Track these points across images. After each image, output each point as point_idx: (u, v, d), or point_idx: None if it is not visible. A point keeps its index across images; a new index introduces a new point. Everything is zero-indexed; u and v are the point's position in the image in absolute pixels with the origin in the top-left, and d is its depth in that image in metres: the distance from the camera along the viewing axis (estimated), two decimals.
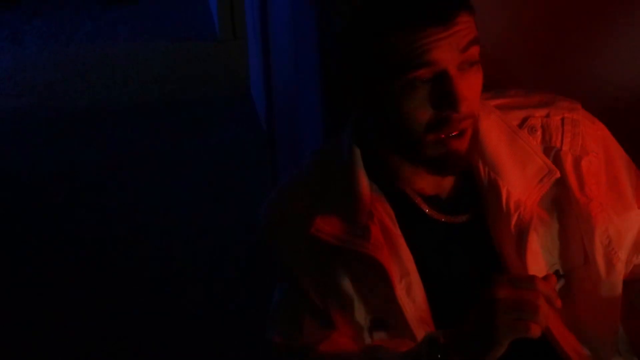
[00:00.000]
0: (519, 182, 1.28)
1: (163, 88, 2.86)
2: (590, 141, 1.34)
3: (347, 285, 1.29)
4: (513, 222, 1.27)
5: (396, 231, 1.29)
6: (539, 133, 1.33)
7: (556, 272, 1.31)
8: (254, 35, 2.61)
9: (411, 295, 1.27)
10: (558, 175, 1.30)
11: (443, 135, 1.21)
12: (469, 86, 1.19)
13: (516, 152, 1.30)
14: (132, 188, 2.46)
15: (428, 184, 1.30)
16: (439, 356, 1.17)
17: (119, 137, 2.64)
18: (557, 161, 1.32)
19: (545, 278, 1.16)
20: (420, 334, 1.22)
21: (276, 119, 2.13)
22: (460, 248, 1.32)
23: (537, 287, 1.11)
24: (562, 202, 1.33)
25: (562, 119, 1.34)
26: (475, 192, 1.31)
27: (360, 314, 1.28)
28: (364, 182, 1.28)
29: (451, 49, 1.15)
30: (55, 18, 3.29)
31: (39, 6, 3.37)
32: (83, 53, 3.06)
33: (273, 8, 1.92)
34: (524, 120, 1.33)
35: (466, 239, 1.32)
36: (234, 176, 2.46)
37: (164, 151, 2.57)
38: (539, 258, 1.31)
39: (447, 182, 1.31)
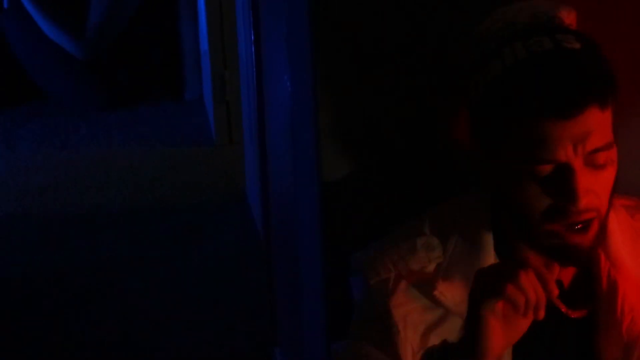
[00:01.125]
0: (638, 287, 1.25)
1: (158, 193, 2.84)
2: None
3: None
4: (624, 326, 1.24)
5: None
6: None
7: None
8: (250, 140, 2.60)
9: None
10: None
11: (560, 227, 1.18)
12: (596, 181, 1.15)
13: (639, 255, 1.27)
14: (125, 294, 2.43)
15: (545, 267, 1.26)
16: None
17: (113, 242, 2.61)
18: None
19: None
20: None
21: (273, 226, 2.11)
22: (569, 344, 1.28)
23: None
24: None
25: None
26: (594, 286, 1.27)
27: None
28: (491, 251, 1.24)
29: (575, 147, 1.12)
30: (50, 122, 3.28)
31: (33, 110, 3.36)
32: (77, 157, 3.05)
33: (270, 114, 1.92)
34: None
35: (577, 336, 1.28)
36: (230, 284, 2.43)
37: (158, 258, 2.53)
38: None
39: (570, 271, 1.27)
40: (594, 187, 1.16)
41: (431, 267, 1.25)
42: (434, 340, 1.26)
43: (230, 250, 2.60)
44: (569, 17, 1.25)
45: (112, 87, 3.36)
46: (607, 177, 1.17)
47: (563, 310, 1.28)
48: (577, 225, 1.17)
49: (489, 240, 1.24)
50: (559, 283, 1.28)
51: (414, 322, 1.25)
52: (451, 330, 1.25)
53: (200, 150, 3.07)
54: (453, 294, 1.23)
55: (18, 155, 3.10)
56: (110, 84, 3.36)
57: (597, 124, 1.15)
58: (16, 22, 3.30)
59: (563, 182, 1.14)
